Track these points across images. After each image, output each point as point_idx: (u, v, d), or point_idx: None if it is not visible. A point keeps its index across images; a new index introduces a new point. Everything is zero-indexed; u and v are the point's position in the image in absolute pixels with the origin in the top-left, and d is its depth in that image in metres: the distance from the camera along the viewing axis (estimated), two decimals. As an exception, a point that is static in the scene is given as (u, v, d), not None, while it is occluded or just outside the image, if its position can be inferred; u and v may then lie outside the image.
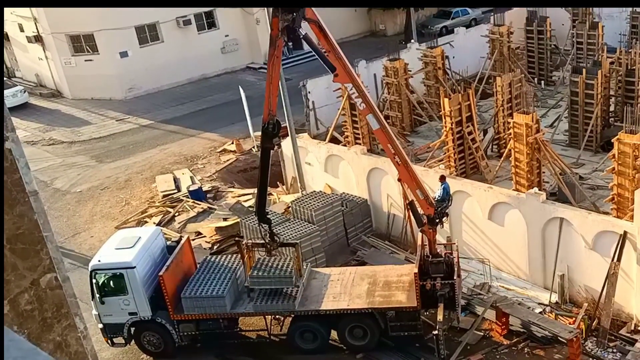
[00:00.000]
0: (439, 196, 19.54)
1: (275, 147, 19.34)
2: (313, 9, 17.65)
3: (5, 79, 48.43)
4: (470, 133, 26.11)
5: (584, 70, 27.34)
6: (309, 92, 32.16)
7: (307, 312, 20.01)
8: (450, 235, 22.68)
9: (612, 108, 28.63)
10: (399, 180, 19.46)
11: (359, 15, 51.77)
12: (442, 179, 20.14)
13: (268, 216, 20.85)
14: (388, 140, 18.50)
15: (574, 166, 25.75)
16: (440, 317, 18.86)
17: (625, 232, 19.10)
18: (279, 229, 23.62)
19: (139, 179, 32.56)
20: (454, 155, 26.02)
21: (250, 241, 21.36)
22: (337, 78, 18.20)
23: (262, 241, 20.54)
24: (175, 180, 31.48)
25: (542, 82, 35.50)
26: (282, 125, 19.12)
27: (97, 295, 20.25)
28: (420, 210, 19.35)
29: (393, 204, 25.08)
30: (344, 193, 25.96)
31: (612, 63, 28.54)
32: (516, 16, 36.77)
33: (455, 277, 19.38)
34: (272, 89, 18.64)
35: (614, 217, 20.77)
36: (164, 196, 30.22)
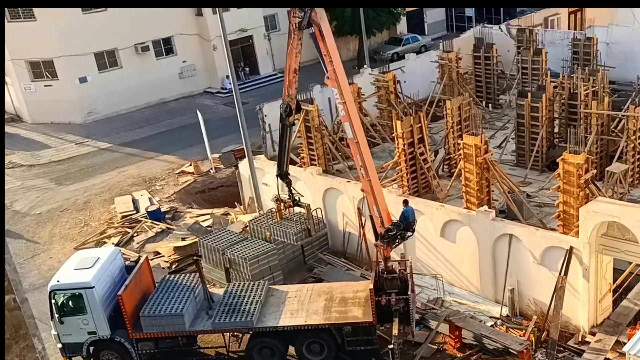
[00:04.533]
0: (398, 220, 20.01)
1: (293, 125, 21.88)
2: (318, 13, 18.69)
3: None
4: (422, 154, 26.58)
5: (529, 94, 28.14)
6: (266, 116, 32.53)
7: (265, 328, 20.31)
8: (404, 252, 23.17)
9: (556, 129, 29.39)
10: (362, 190, 20.07)
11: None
12: (405, 203, 20.53)
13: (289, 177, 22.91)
14: (358, 152, 19.15)
15: (521, 185, 26.33)
16: (395, 332, 19.39)
17: (571, 247, 19.86)
18: (236, 248, 24.09)
19: (98, 201, 32.63)
20: (407, 175, 26.49)
21: (276, 195, 23.16)
22: (327, 80, 19.28)
23: (281, 197, 22.96)
24: (134, 201, 31.68)
25: (490, 105, 36.44)
26: (301, 108, 21.53)
27: (57, 315, 20.35)
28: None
29: (348, 222, 25.57)
30: (300, 212, 26.32)
31: (555, 87, 29.33)
32: (464, 43, 37.91)
33: (409, 293, 19.91)
34: (290, 76, 20.20)
35: (561, 233, 21.48)
36: (123, 217, 30.38)
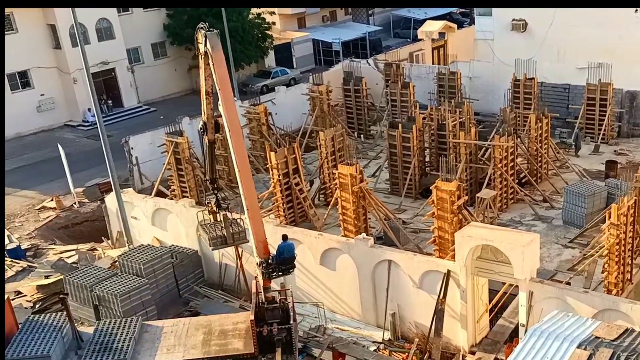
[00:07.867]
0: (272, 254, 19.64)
1: (214, 142, 22.23)
2: (210, 41, 18.32)
3: None
4: (297, 184, 26.73)
5: (400, 125, 29.01)
6: (132, 148, 31.87)
7: (140, 366, 19.34)
8: (283, 282, 22.80)
9: (427, 158, 30.41)
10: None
11: (179, 74, 52.11)
12: (283, 238, 20.09)
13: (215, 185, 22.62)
14: (242, 181, 18.88)
15: (396, 212, 26.96)
16: (278, 362, 18.86)
17: (448, 271, 20.31)
18: (106, 284, 23.03)
19: (-53, 241, 30.30)
20: (283, 205, 26.49)
21: (209, 200, 23.56)
22: (220, 108, 19.09)
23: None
24: (-9, 239, 29.69)
25: (362, 135, 37.48)
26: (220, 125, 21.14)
27: None
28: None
29: (224, 253, 25.01)
30: (173, 245, 25.70)
31: (424, 118, 30.38)
32: (333, 76, 38.80)
33: (291, 322, 19.56)
34: (202, 97, 20.47)
35: (437, 257, 21.99)
36: (-22, 257, 28.40)
